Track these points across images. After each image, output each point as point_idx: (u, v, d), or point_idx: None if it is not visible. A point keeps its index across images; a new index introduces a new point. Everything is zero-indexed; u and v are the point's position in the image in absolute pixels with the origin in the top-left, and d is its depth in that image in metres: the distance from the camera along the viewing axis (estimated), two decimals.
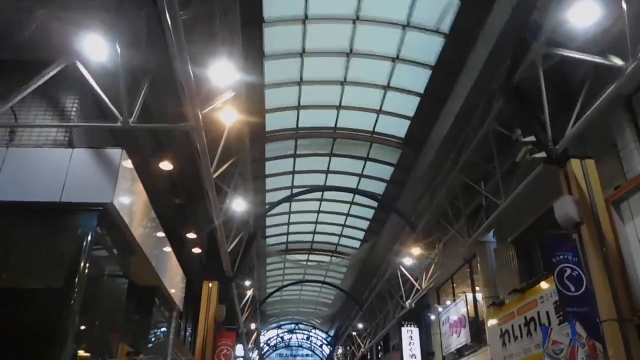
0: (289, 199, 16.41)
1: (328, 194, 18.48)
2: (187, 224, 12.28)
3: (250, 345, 29.53)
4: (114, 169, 7.54)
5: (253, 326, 24.80)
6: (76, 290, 7.08)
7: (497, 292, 13.48)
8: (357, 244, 22.01)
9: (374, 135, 15.15)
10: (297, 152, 15.86)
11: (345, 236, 21.85)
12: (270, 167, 16.26)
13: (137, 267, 9.79)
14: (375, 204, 18.56)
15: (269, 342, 37.36)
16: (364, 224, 20.46)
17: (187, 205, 12.17)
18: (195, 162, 8.78)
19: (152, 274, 10.35)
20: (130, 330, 10.55)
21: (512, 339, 11.18)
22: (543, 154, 8.19)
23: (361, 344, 26.27)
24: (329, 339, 36.70)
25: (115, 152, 7.69)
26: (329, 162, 16.38)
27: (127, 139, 8.82)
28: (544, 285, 10.03)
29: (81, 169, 7.54)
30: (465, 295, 15.43)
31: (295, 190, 16.69)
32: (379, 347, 28.77)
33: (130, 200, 8.30)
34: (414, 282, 16.08)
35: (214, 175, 8.91)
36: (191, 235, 12.41)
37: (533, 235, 11.38)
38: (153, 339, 11.67)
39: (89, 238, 7.45)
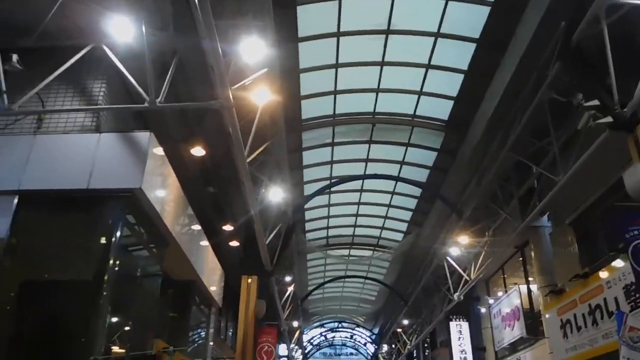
0: (328, 188, 15.83)
1: (368, 184, 17.82)
2: (222, 215, 11.85)
3: (292, 344, 29.13)
4: (143, 153, 7.15)
5: (295, 324, 24.32)
6: (106, 282, 6.72)
7: (554, 280, 12.54)
8: (399, 236, 21.25)
9: (415, 119, 14.42)
10: (335, 141, 15.27)
11: (387, 229, 21.12)
12: (307, 157, 15.74)
13: (172, 260, 9.42)
14: (418, 192, 17.80)
15: (312, 341, 36.87)
16: (407, 215, 19.68)
17: (222, 195, 11.74)
18: (229, 148, 8.30)
19: (189, 268, 9.96)
20: (167, 326, 10.20)
21: (575, 329, 10.27)
22: (609, 119, 7.33)
23: (407, 340, 25.46)
24: (373, 337, 35.94)
25: (143, 136, 7.30)
26: (369, 149, 15.72)
27: (156, 124, 8.44)
28: (610, 268, 9.11)
29: (109, 155, 7.18)
30: (518, 286, 14.48)
31: (334, 181, 16.09)
32: (426, 344, 27.88)
33: (161, 186, 7.89)
34: (462, 272, 15.23)
35: (248, 160, 8.41)
36: (228, 227, 11.99)
37: (595, 215, 10.44)
38: (193, 337, 11.30)
39: (119, 227, 7.09)
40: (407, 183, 15.01)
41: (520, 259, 15.43)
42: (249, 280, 13.07)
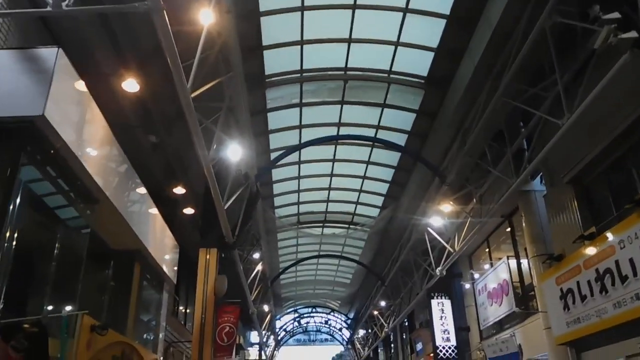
0: (297, 149, 14.26)
1: (342, 153, 16.35)
2: (171, 175, 10.15)
3: (264, 331, 27.67)
4: (47, 72, 5.51)
5: (266, 308, 22.82)
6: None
7: (548, 249, 11.34)
8: (375, 212, 19.87)
9: (392, 75, 12.96)
10: (304, 101, 13.73)
11: (362, 204, 19.71)
12: (273, 120, 14.17)
13: (107, 223, 7.81)
14: (395, 161, 16.43)
15: (285, 327, 35.46)
16: (383, 188, 18.31)
17: (168, 147, 10.06)
18: (171, 83, 6.70)
19: (130, 235, 8.34)
20: (102, 301, 8.58)
21: (579, 299, 9.02)
22: (633, 34, 5.99)
23: (384, 323, 24.24)
24: (348, 321, 34.74)
25: (49, 53, 5.65)
26: (341, 111, 14.23)
27: (72, 43, 6.74)
28: (625, 224, 7.84)
29: (7, 75, 5.55)
30: (507, 258, 13.25)
31: (304, 143, 14.54)
32: (404, 326, 26.75)
33: (77, 120, 6.25)
34: (445, 244, 13.93)
35: (194, 94, 6.84)
36: (179, 190, 10.34)
37: (598, 169, 9.18)
38: (139, 316, 9.70)
39: (17, 167, 5.49)
40: (385, 145, 13.56)
41: (508, 229, 14.22)
42: (208, 254, 11.49)
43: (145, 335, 10.21)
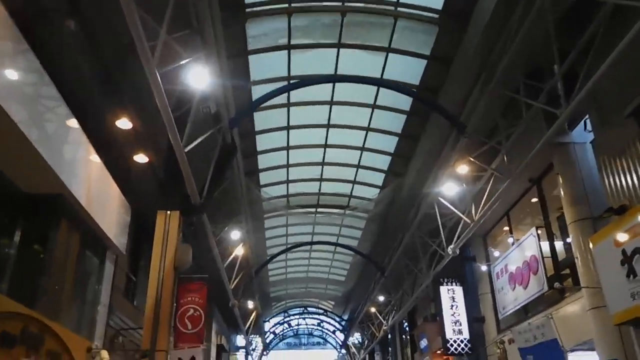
0: (285, 91, 11.90)
1: (338, 116, 14.05)
2: (109, 96, 7.62)
3: (251, 335, 25.18)
4: None
5: (251, 304, 20.37)
6: None
7: (592, 212, 9.12)
8: (375, 192, 17.53)
9: (400, 8, 10.72)
10: (293, 42, 11.43)
11: (360, 183, 17.37)
12: (256, 67, 11.85)
13: (15, 157, 5.51)
14: (399, 127, 14.13)
15: (273, 330, 32.86)
16: (384, 162, 16.00)
17: (103, 49, 7.51)
18: None
19: (47, 174, 6.04)
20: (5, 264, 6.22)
21: None
22: None
23: (383, 321, 21.85)
24: (343, 323, 32.25)
25: None
26: (337, 57, 11.92)
27: None
28: None
29: None
30: (536, 229, 10.96)
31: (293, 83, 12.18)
32: (403, 327, 24.39)
33: None
34: (459, 214, 11.62)
35: None
36: (124, 124, 7.94)
37: None
38: (67, 290, 7.32)
39: None
40: (394, 88, 11.18)
41: (534, 200, 11.96)
42: (168, 218, 9.13)
43: (75, 317, 7.82)
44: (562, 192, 9.84)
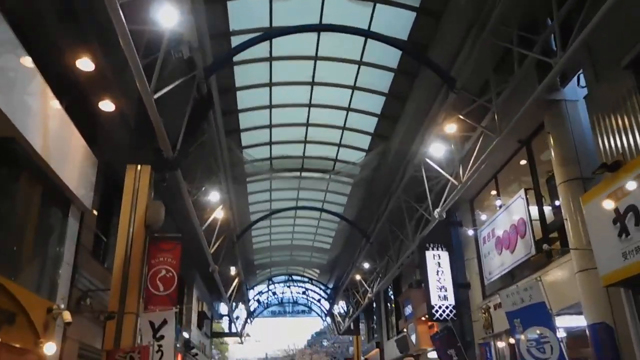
0: (266, 38, 11.19)
1: (323, 72, 13.39)
2: (68, 27, 6.87)
3: (234, 302, 24.91)
4: None
5: (233, 271, 20.00)
6: None
7: (582, 173, 8.76)
8: (360, 155, 17.03)
9: None
10: None
11: (345, 146, 16.82)
12: (236, 16, 11.14)
13: None
14: (386, 86, 13.55)
15: (258, 298, 32.70)
16: (371, 124, 15.47)
17: None
18: None
19: None
20: None
21: None
22: None
23: (368, 288, 21.67)
24: (328, 291, 32.16)
25: None
26: (322, 9, 11.23)
27: None
28: None
29: None
30: (525, 191, 10.59)
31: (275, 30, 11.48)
32: (388, 295, 24.30)
33: None
34: (447, 176, 11.21)
35: None
36: (85, 65, 7.27)
37: None
38: (23, 246, 6.79)
39: None
40: (382, 40, 10.51)
41: (522, 162, 11.58)
42: (138, 173, 8.59)
43: (34, 276, 7.33)
44: (552, 152, 9.44)
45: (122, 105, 8.33)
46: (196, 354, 20.42)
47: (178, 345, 18.50)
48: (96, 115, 8.34)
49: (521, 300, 8.31)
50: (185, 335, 18.77)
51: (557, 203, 10.18)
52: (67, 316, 7.10)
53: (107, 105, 8.16)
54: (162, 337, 7.92)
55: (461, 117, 9.87)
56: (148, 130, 8.15)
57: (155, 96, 7.35)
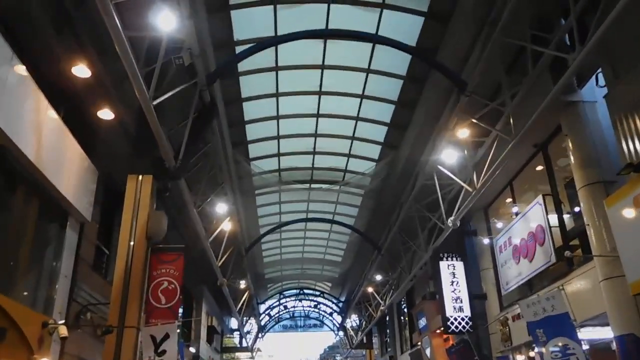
0: (273, 43, 10.84)
1: (330, 82, 13.14)
2: (63, 32, 6.60)
3: (245, 317, 24.48)
4: None
5: (243, 284, 19.63)
6: None
7: (604, 176, 8.34)
8: (370, 165, 16.68)
9: None
10: None
11: (355, 156, 16.51)
12: (240, 25, 10.93)
13: None
14: (395, 94, 13.25)
15: (269, 312, 32.17)
16: (380, 133, 15.15)
17: None
18: None
19: None
20: None
21: None
22: None
23: (380, 301, 21.16)
24: (340, 304, 31.59)
25: None
26: (327, 16, 11.00)
27: None
28: None
29: None
30: (543, 197, 10.16)
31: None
32: (401, 308, 23.77)
33: None
34: (460, 182, 10.81)
35: None
36: (80, 70, 7.03)
37: None
38: (18, 261, 6.52)
39: None
40: (390, 44, 10.15)
41: (539, 168, 11.17)
42: (139, 183, 8.33)
43: (29, 289, 7.05)
44: (571, 156, 9.03)
45: (121, 113, 8.09)
46: None
47: None
48: (95, 125, 8.11)
49: (543, 310, 7.87)
50: (192, 350, 18.35)
51: (577, 209, 9.77)
52: (63, 330, 6.80)
53: (106, 114, 7.93)
54: (163, 352, 7.58)
55: (474, 120, 9.50)
56: (149, 139, 7.89)
57: (154, 102, 7.09)
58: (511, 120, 8.90)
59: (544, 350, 7.60)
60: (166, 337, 7.63)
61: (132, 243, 7.90)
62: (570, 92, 8.99)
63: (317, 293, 32.54)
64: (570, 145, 9.03)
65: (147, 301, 8.00)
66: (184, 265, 8.67)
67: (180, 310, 18.67)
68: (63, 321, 7.23)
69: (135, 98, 6.91)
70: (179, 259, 8.45)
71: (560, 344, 7.42)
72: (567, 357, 7.35)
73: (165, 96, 7.39)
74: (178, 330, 8.53)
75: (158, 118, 7.57)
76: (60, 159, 7.11)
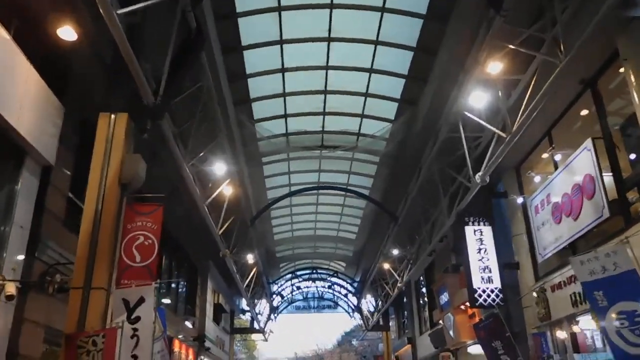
0: None
1: (340, 25, 11.66)
2: None
3: (251, 295, 23.20)
4: None
5: (251, 259, 18.32)
6: None
7: None
8: (387, 126, 15.20)
9: None
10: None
11: (369, 117, 15.04)
12: None
13: None
14: (414, 39, 11.72)
15: (281, 292, 30.97)
16: (397, 88, 13.65)
17: None
18: None
19: None
20: None
21: None
22: None
23: (398, 278, 19.79)
24: (355, 284, 30.28)
25: None
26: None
27: None
28: None
29: None
30: (592, 140, 8.63)
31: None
32: (419, 289, 22.37)
33: None
34: (492, 128, 9.30)
35: None
36: None
37: None
38: None
39: None
40: None
41: (584, 112, 9.62)
42: (112, 121, 6.99)
43: None
44: (631, 87, 7.47)
45: (86, 33, 6.71)
46: (208, 348, 18.83)
47: (191, 339, 16.95)
48: (57, 47, 6.74)
49: (602, 269, 6.39)
50: (188, 324, 17.06)
51: (632, 157, 8.25)
52: (10, 288, 5.56)
53: (67, 33, 6.56)
54: (138, 318, 6.30)
55: (512, 47, 7.96)
56: (124, 70, 6.52)
57: (120, 11, 5.69)
58: (560, 33, 7.31)
59: (607, 315, 6.15)
60: (141, 300, 6.34)
61: (102, 190, 6.59)
62: (631, 7, 7.40)
63: (331, 273, 31.26)
64: (630, 74, 7.47)
65: (120, 258, 6.70)
66: (168, 220, 7.34)
67: (182, 285, 17.44)
68: (18, 278, 5.98)
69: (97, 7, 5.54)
70: (158, 210, 7.13)
71: (629, 308, 5.97)
72: (636, 326, 5.91)
73: (136, 6, 5.98)
74: (155, 294, 7.21)
75: (135, 46, 6.23)
76: (11, 86, 5.81)
